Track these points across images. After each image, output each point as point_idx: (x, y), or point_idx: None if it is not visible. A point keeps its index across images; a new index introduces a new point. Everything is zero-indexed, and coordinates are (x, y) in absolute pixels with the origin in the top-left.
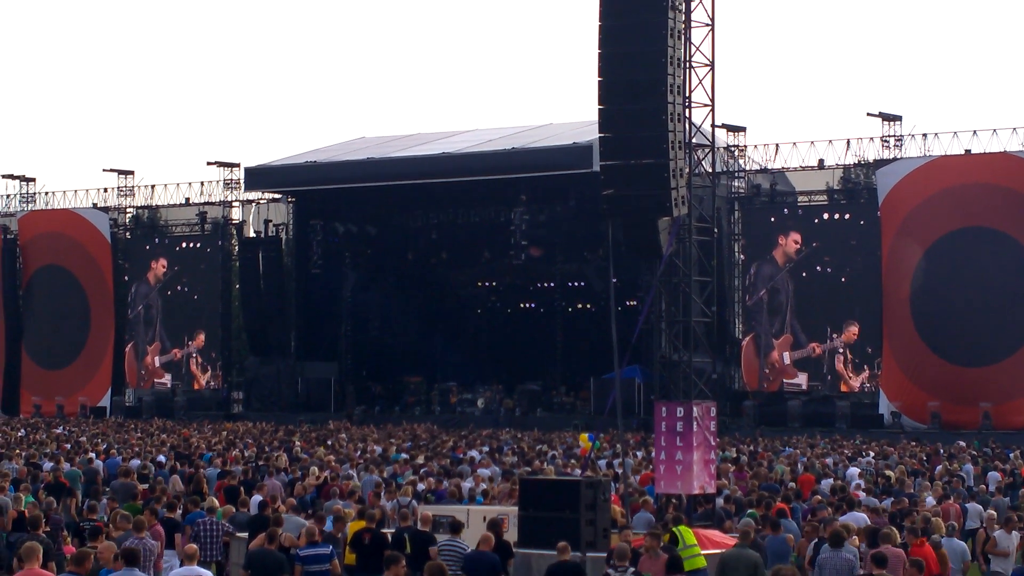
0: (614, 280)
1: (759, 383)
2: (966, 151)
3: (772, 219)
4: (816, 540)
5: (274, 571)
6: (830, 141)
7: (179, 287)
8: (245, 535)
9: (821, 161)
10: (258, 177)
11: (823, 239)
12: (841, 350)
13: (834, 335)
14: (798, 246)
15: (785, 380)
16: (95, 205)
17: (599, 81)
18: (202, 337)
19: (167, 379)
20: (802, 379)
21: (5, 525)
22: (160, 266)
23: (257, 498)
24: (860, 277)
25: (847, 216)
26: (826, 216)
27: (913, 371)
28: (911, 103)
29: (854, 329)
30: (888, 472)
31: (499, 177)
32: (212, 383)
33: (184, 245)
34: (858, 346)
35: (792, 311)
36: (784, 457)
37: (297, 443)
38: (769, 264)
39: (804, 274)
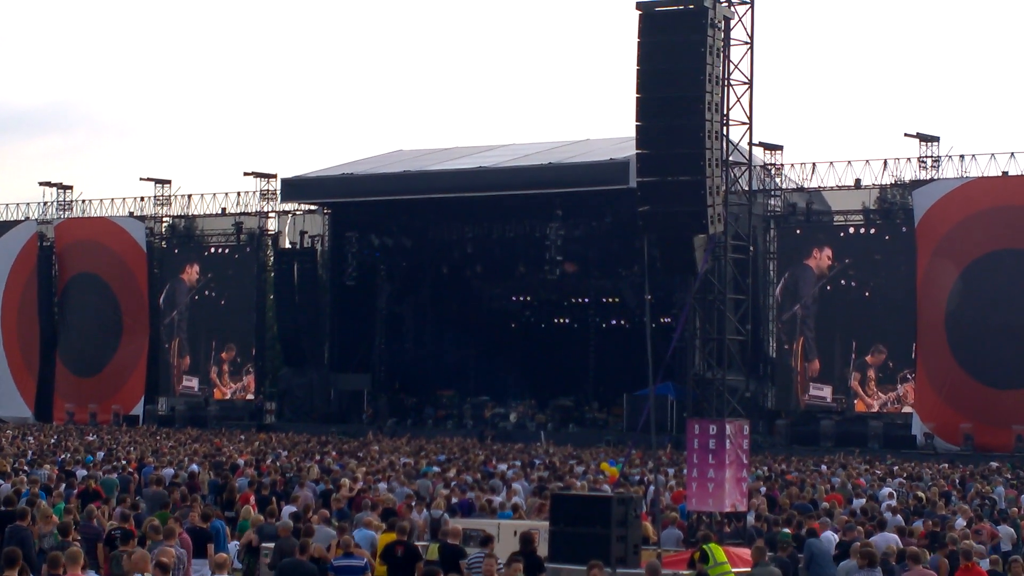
0: (649, 297)
1: (794, 401)
2: (1003, 173)
3: (807, 238)
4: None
5: None
6: (867, 161)
7: (213, 295)
8: (271, 546)
9: (858, 181)
10: (294, 188)
11: (857, 257)
12: (863, 369)
13: (859, 352)
14: (831, 262)
15: (810, 394)
16: (131, 214)
17: (637, 98)
18: (233, 350)
19: (195, 382)
20: (826, 392)
21: (39, 531)
22: (194, 272)
23: (290, 508)
24: (893, 296)
25: (883, 236)
26: (861, 231)
27: (947, 392)
28: (949, 124)
29: (882, 355)
30: (920, 493)
31: (535, 192)
32: (242, 393)
33: (219, 255)
34: (882, 364)
35: (821, 327)
36: (817, 475)
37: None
38: (803, 281)
39: (835, 291)
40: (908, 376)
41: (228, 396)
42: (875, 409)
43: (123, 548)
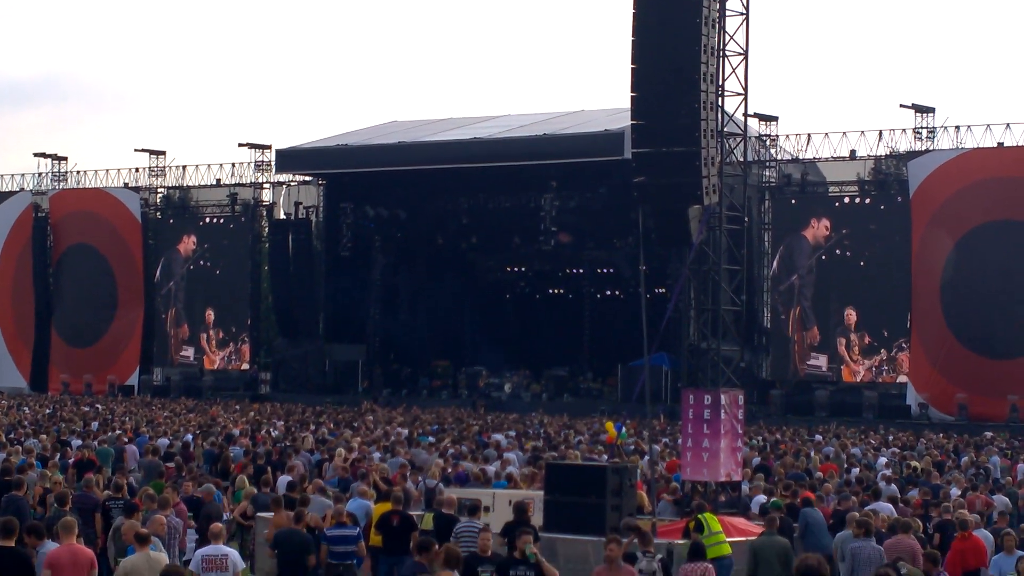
0: (643, 267)
1: (790, 371)
2: (999, 144)
3: (802, 209)
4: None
5: (300, 551)
6: (862, 132)
7: (208, 265)
8: (270, 515)
9: (853, 152)
10: (289, 159)
11: (852, 228)
12: (845, 335)
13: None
14: (828, 232)
15: (809, 363)
16: (126, 185)
17: (632, 68)
18: (212, 316)
19: (191, 352)
20: (822, 361)
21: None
22: (190, 242)
23: (285, 478)
24: (888, 266)
25: (878, 206)
26: (856, 201)
27: (941, 363)
28: (944, 95)
29: (852, 317)
30: (914, 463)
31: (530, 163)
32: (236, 362)
33: (214, 225)
34: (875, 330)
35: (817, 297)
36: (812, 445)
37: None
38: (798, 251)
39: (831, 261)
40: (903, 345)
41: (217, 365)
42: (861, 375)
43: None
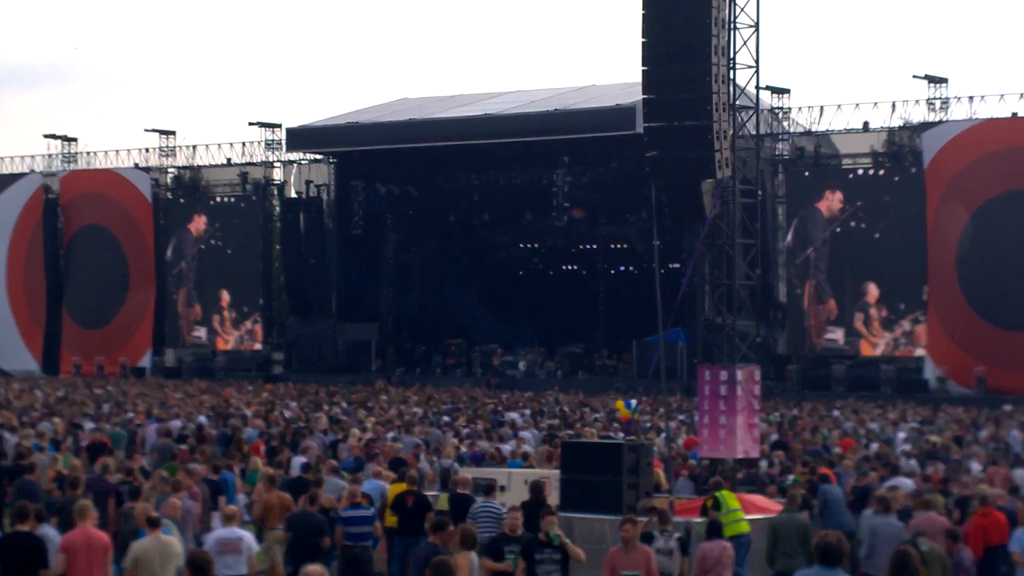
0: (657, 242)
1: (806, 346)
2: (1013, 114)
3: (815, 182)
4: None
5: (314, 532)
6: (875, 104)
7: (220, 244)
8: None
9: (866, 124)
10: (300, 138)
11: (866, 200)
12: (864, 310)
13: (865, 294)
14: (842, 205)
15: (826, 337)
16: (136, 165)
17: (643, 42)
18: (227, 298)
19: (203, 332)
20: (839, 334)
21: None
22: (202, 222)
23: (300, 459)
24: (903, 238)
25: (892, 178)
26: (870, 173)
27: (959, 336)
28: (957, 65)
29: (875, 293)
30: (933, 438)
31: (541, 139)
32: (249, 342)
33: (225, 205)
34: (892, 303)
35: (833, 270)
36: (830, 420)
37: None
38: (812, 224)
39: (845, 234)
40: (920, 318)
41: (230, 345)
42: (880, 349)
43: (132, 503)
